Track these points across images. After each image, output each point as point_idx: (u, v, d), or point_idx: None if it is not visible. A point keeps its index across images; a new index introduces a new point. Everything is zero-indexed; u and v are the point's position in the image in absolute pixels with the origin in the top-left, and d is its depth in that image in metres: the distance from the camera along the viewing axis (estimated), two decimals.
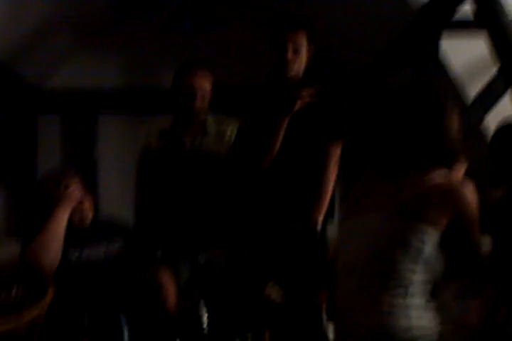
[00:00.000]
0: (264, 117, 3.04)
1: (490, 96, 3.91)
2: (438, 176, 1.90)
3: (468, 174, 2.26)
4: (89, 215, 2.92)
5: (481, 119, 3.92)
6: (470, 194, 1.88)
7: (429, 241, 1.84)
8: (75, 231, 2.83)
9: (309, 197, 3.00)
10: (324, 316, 2.86)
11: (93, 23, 5.49)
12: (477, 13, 3.61)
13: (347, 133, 3.09)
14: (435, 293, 1.87)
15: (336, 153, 3.04)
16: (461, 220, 1.86)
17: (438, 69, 3.97)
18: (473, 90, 4.08)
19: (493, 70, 3.93)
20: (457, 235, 1.86)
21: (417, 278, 1.85)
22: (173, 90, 3.06)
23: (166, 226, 3.06)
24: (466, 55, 4.02)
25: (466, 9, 3.70)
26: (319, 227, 2.97)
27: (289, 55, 2.97)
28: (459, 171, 2.13)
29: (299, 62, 3.01)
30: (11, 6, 4.17)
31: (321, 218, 2.97)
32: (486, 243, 2.09)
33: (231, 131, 3.10)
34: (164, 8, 5.63)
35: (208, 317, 2.81)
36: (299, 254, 2.96)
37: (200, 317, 2.79)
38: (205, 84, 3.01)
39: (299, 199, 3.02)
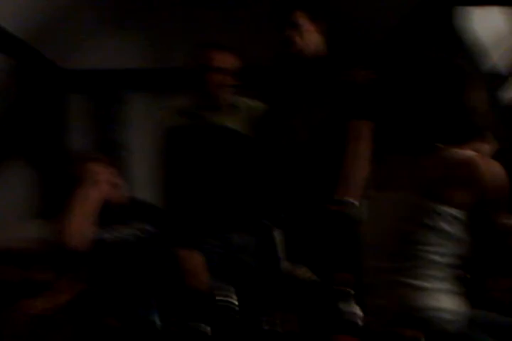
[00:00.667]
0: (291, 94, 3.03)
1: None
2: (461, 154, 1.86)
3: (497, 151, 2.21)
4: (122, 195, 2.94)
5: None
6: (495, 171, 1.83)
7: (455, 222, 1.82)
8: (109, 211, 2.86)
9: (335, 177, 2.95)
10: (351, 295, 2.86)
11: (117, 3, 5.50)
12: None
13: (375, 114, 3.02)
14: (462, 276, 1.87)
15: (359, 130, 2.92)
16: (485, 199, 1.81)
17: (460, 37, 3.90)
18: (495, 58, 4.00)
19: None
20: (482, 215, 1.83)
21: (444, 260, 1.84)
22: (192, 65, 3.06)
23: (194, 205, 3.06)
24: (488, 22, 3.94)
25: None
26: (347, 208, 2.91)
27: (287, 32, 2.95)
28: (484, 147, 2.07)
29: (303, 38, 2.97)
30: None
31: (347, 198, 2.90)
32: None
33: (258, 109, 3.08)
34: None
35: (237, 297, 2.82)
36: (329, 236, 2.93)
37: (230, 298, 2.82)
38: (222, 58, 3.01)
39: (326, 179, 2.99)
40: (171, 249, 2.89)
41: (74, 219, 2.75)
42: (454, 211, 1.81)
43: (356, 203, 2.84)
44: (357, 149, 2.90)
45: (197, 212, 3.04)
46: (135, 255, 2.79)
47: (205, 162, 3.04)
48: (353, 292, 2.71)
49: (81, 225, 2.75)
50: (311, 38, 2.99)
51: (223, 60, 3.01)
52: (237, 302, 2.83)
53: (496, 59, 3.93)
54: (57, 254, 2.79)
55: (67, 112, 5.67)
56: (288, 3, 3.01)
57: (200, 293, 2.82)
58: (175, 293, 2.79)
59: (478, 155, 1.87)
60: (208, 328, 2.72)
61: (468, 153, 1.87)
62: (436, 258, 1.83)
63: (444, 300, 1.83)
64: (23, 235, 5.11)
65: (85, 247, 2.73)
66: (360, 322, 2.38)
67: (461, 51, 3.82)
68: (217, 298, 2.81)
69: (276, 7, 3.00)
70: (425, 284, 1.83)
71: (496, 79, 3.90)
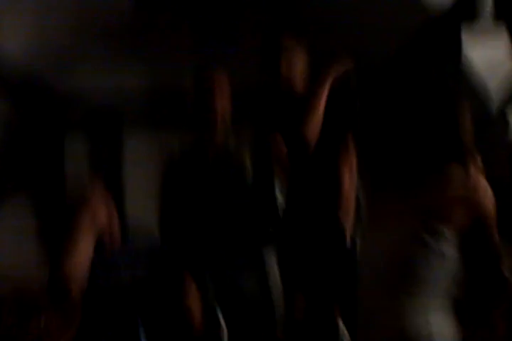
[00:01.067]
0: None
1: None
2: (456, 177, 1.86)
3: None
4: (117, 235, 2.92)
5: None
6: (488, 195, 1.85)
7: (451, 245, 1.81)
8: (102, 252, 2.84)
9: (332, 199, 2.93)
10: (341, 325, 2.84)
11: (119, 34, 5.52)
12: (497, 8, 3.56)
13: (359, 126, 3.00)
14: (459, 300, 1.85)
15: (347, 144, 2.95)
16: (481, 221, 1.82)
17: (460, 64, 3.92)
18: (494, 84, 4.02)
19: None
20: (477, 238, 1.83)
21: (441, 283, 1.83)
22: (192, 94, 3.03)
23: (190, 239, 3.05)
24: (487, 49, 3.96)
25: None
26: (348, 230, 2.91)
27: (283, 67, 2.92)
28: (475, 169, 2.06)
29: (296, 72, 2.96)
30: (34, 21, 4.21)
31: (347, 221, 2.90)
32: None
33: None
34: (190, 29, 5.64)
35: (228, 331, 2.81)
36: (328, 261, 2.92)
37: (220, 332, 2.79)
38: (221, 82, 2.98)
39: (324, 201, 2.96)
40: (167, 287, 2.87)
41: (72, 260, 2.73)
42: (451, 232, 1.81)
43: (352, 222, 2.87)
44: (351, 165, 2.92)
45: (192, 244, 3.04)
46: (129, 298, 2.76)
47: (201, 192, 3.04)
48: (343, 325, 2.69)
49: (78, 267, 2.73)
50: (300, 67, 2.97)
51: (221, 82, 2.99)
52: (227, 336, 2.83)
53: (493, 88, 3.96)
54: (53, 295, 2.76)
55: (66, 148, 5.68)
56: (279, 35, 3.00)
57: (196, 329, 2.81)
58: (169, 330, 2.76)
59: (472, 178, 1.88)
60: None
61: (462, 176, 1.87)
62: (433, 281, 1.82)
63: (442, 326, 1.82)
64: (25, 279, 5.12)
65: (80, 289, 2.71)
66: None
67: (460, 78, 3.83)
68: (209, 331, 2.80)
69: (265, 39, 3.00)
70: (422, 307, 1.82)
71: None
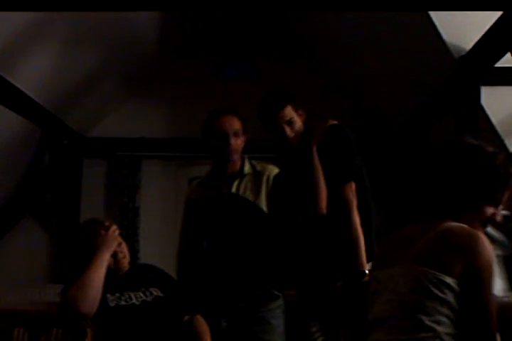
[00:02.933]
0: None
1: None
2: (464, 227, 1.87)
3: None
4: (126, 261, 2.95)
5: None
6: (487, 247, 1.82)
7: (449, 290, 1.80)
8: (112, 277, 2.85)
9: (344, 248, 2.98)
10: None
11: (138, 72, 5.66)
12: None
13: (359, 175, 3.10)
14: None
15: (350, 196, 3.02)
16: (473, 271, 1.80)
17: (479, 118, 3.96)
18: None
19: None
20: (467, 288, 1.80)
21: (443, 329, 1.80)
22: (206, 136, 3.10)
23: (206, 278, 3.05)
24: (508, 103, 4.01)
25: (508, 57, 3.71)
26: (367, 274, 2.93)
27: (287, 131, 3.09)
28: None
29: (297, 131, 3.12)
30: (58, 57, 4.32)
31: (365, 266, 2.94)
32: None
33: (269, 172, 3.08)
34: (209, 56, 5.80)
35: None
36: (352, 308, 2.92)
37: None
38: (235, 124, 3.04)
39: (335, 253, 3.01)
40: (177, 316, 2.85)
41: (84, 282, 2.74)
42: (449, 279, 1.80)
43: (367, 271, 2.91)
44: (354, 217, 2.99)
45: (207, 284, 3.04)
46: (142, 320, 2.75)
47: (217, 232, 3.05)
48: None
49: (94, 291, 2.74)
50: (298, 128, 3.12)
51: (234, 125, 3.04)
52: None
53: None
54: (65, 318, 2.76)
55: (83, 177, 5.78)
56: (278, 100, 3.11)
57: None
58: None
59: (477, 229, 1.89)
60: None
61: (462, 225, 1.89)
62: (435, 326, 1.80)
63: None
64: (36, 299, 5.13)
65: (92, 312, 2.70)
66: None
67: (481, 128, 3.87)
68: None
69: (265, 106, 3.12)
70: None
71: None
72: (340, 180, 3.05)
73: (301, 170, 3.11)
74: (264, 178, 3.04)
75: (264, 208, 2.99)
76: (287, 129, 3.09)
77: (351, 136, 3.14)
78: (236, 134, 3.02)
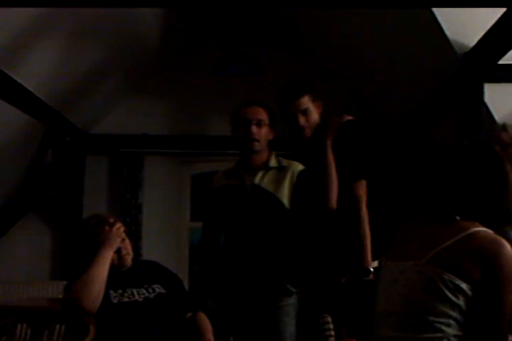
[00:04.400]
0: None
1: None
2: (488, 232, 1.86)
3: None
4: (130, 257, 2.95)
5: None
6: (508, 254, 1.80)
7: (462, 295, 1.79)
8: (115, 273, 2.85)
9: (350, 245, 2.98)
10: None
11: (141, 69, 5.66)
12: None
13: (371, 173, 3.10)
14: None
15: (361, 193, 3.03)
16: (492, 277, 1.79)
17: (482, 115, 3.95)
18: None
19: None
20: (483, 295, 1.79)
21: (451, 331, 1.80)
22: (233, 126, 3.09)
23: (221, 272, 3.06)
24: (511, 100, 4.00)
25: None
26: (372, 273, 2.93)
27: (301, 121, 3.07)
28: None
29: (312, 122, 3.11)
30: (61, 54, 4.32)
31: (369, 264, 2.94)
32: None
33: (294, 168, 3.06)
34: (212, 53, 5.80)
35: None
36: (355, 304, 2.92)
37: None
38: (259, 114, 3.03)
39: (342, 248, 3.01)
40: (179, 313, 2.85)
41: (88, 279, 2.74)
42: (464, 285, 1.79)
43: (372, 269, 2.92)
44: (363, 215, 2.99)
45: (223, 279, 3.04)
46: (145, 317, 2.75)
47: (236, 222, 3.03)
48: None
49: (97, 288, 2.74)
50: (314, 120, 3.12)
51: (259, 114, 3.03)
52: None
53: None
54: (68, 314, 2.77)
55: (86, 174, 5.78)
56: (296, 89, 3.10)
57: None
58: None
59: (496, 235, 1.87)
60: None
61: (486, 231, 1.86)
62: (444, 328, 1.80)
63: None
64: (39, 295, 5.14)
65: (95, 308, 2.70)
66: None
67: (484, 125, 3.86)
68: None
69: (282, 93, 3.11)
70: None
71: None
72: (352, 177, 3.04)
73: (313, 163, 3.08)
74: (289, 173, 3.02)
75: (285, 202, 2.97)
76: (302, 119, 3.07)
77: (364, 132, 3.13)
78: (259, 123, 3.01)
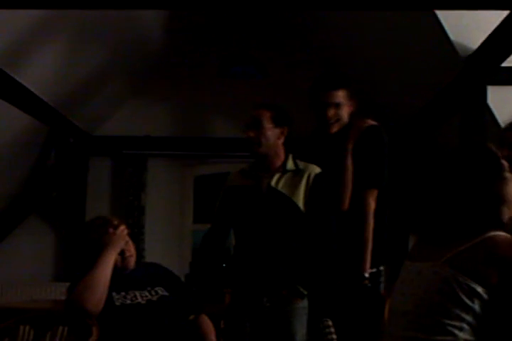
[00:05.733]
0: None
1: None
2: (498, 234, 1.84)
3: None
4: (133, 259, 2.95)
5: None
6: None
7: (478, 299, 1.77)
8: (118, 275, 2.85)
9: (352, 249, 2.97)
10: None
11: (144, 70, 5.67)
12: None
13: (385, 183, 3.08)
14: None
15: (370, 200, 3.01)
16: (509, 282, 1.76)
17: (485, 118, 3.95)
18: None
19: None
20: (499, 299, 1.77)
21: (463, 335, 1.78)
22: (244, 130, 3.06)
23: (237, 270, 3.03)
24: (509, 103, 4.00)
25: None
26: (367, 278, 2.93)
27: (330, 113, 3.02)
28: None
29: (342, 119, 3.06)
30: (65, 56, 4.33)
31: (366, 270, 2.94)
32: None
33: (310, 171, 3.02)
34: (215, 55, 5.80)
35: None
36: (350, 308, 2.92)
37: None
38: (265, 114, 2.98)
39: (343, 252, 3.00)
40: (182, 315, 2.85)
41: (91, 281, 2.74)
42: (480, 288, 1.78)
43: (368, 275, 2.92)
44: (369, 222, 2.98)
45: (238, 275, 3.01)
46: (147, 319, 2.75)
47: (248, 223, 3.01)
48: None
49: (100, 290, 2.74)
50: (343, 118, 3.07)
51: (264, 115, 2.98)
52: None
53: None
54: (71, 316, 2.77)
55: (89, 175, 5.80)
56: (333, 81, 3.07)
57: None
58: None
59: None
60: None
61: (500, 234, 1.85)
62: (457, 332, 1.78)
63: None
64: (42, 297, 5.14)
65: (98, 310, 2.70)
66: None
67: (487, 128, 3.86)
68: None
69: (319, 84, 3.07)
70: None
71: None
72: (366, 184, 3.02)
73: (331, 163, 3.05)
74: (305, 176, 2.98)
75: (301, 205, 2.96)
76: (331, 111, 3.02)
77: (386, 140, 3.11)
78: (265, 123, 2.97)
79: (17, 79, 3.96)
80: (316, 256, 2.95)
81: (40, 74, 4.24)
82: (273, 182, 2.98)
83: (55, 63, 4.32)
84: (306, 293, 2.92)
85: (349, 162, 3.02)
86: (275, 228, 2.94)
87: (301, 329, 2.89)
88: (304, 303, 2.92)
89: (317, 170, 3.01)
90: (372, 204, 3.01)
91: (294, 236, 2.94)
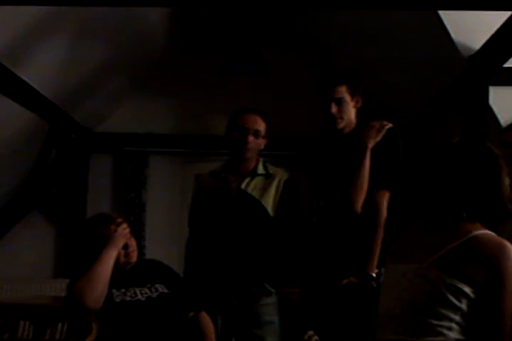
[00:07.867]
0: (326, 167, 3.08)
1: None
2: (491, 235, 1.85)
3: None
4: (135, 254, 2.96)
5: None
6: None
7: (465, 298, 1.79)
8: (118, 272, 2.86)
9: (360, 250, 2.97)
10: None
11: (146, 68, 5.67)
12: None
13: (396, 184, 3.07)
14: None
15: (382, 201, 3.01)
16: (495, 280, 1.78)
17: (487, 119, 3.95)
18: None
19: None
20: (485, 298, 1.78)
21: (453, 335, 1.80)
22: (228, 130, 3.13)
23: (208, 270, 3.09)
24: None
25: None
26: (374, 279, 2.93)
27: (333, 109, 3.01)
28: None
29: (346, 114, 3.05)
30: (66, 52, 4.33)
31: (373, 271, 2.94)
32: None
33: (281, 176, 3.11)
34: (217, 53, 5.80)
35: None
36: (352, 308, 2.92)
37: None
38: (258, 124, 3.07)
39: (350, 252, 3.00)
40: (182, 312, 2.86)
41: (91, 277, 2.75)
42: (467, 288, 1.79)
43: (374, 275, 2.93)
44: (380, 223, 2.97)
45: (210, 275, 3.08)
46: (147, 316, 2.76)
47: (218, 224, 3.08)
48: None
49: (100, 286, 2.75)
50: (349, 113, 3.07)
51: (257, 124, 3.07)
52: None
53: None
54: (71, 312, 2.77)
55: (90, 172, 5.80)
56: (334, 77, 3.07)
57: None
58: None
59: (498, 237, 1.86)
60: None
61: (488, 233, 1.86)
62: (446, 331, 1.80)
63: None
64: (42, 293, 5.15)
65: (97, 307, 2.71)
66: None
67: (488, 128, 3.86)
68: None
69: (321, 81, 3.07)
70: None
71: None
72: (380, 185, 3.01)
73: (345, 163, 3.04)
74: (275, 181, 3.08)
75: (269, 209, 3.04)
76: (334, 107, 3.00)
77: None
78: (256, 134, 3.06)
79: (19, 75, 3.96)
80: (281, 257, 3.04)
81: (41, 70, 4.24)
82: (243, 185, 3.05)
83: (57, 59, 4.32)
84: (272, 290, 3.03)
85: (367, 162, 3.01)
86: (243, 229, 3.02)
87: (272, 324, 3.00)
88: (273, 299, 3.04)
89: (286, 175, 3.11)
90: (385, 205, 3.00)
91: (260, 238, 3.03)
